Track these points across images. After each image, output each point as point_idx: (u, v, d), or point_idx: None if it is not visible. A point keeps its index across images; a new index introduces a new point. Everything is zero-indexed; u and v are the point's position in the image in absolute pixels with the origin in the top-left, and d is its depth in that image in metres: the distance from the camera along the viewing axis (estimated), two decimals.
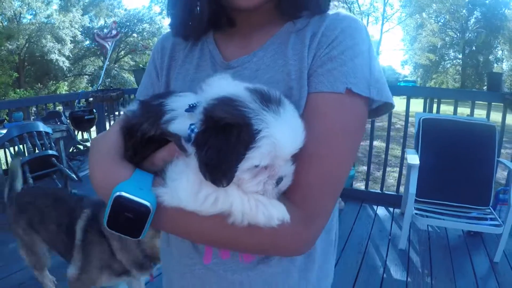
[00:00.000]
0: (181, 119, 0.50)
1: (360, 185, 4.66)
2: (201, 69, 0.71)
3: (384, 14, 31.66)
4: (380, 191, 3.92)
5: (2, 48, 18.83)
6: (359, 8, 30.26)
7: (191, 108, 0.50)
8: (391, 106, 0.64)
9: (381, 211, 3.58)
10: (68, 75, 25.97)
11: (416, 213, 2.74)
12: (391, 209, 3.58)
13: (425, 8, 28.53)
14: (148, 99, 0.61)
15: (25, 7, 21.74)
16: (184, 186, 0.49)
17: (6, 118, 5.19)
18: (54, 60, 22.20)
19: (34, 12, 22.75)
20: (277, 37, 0.66)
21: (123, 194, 0.49)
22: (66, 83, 25.87)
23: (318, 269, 0.71)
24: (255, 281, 0.66)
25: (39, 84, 23.17)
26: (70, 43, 23.52)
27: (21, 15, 22.01)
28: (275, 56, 0.64)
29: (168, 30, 0.77)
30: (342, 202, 3.64)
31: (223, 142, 0.44)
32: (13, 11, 20.24)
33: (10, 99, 15.92)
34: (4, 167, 4.41)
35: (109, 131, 0.62)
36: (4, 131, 3.69)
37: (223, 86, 0.51)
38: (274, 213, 0.49)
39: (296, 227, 0.53)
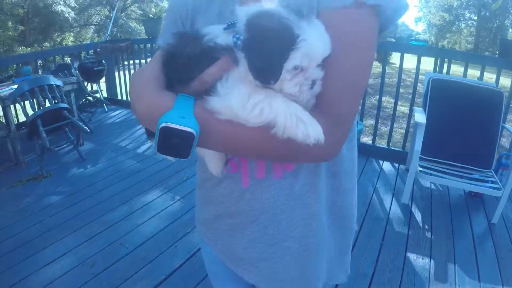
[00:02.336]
0: (223, 36, 0.55)
1: (367, 140, 4.68)
2: (223, 15, 0.72)
3: None
4: (386, 147, 3.96)
5: (6, 1, 18.25)
6: None
7: (230, 26, 0.55)
8: (405, 7, 0.65)
9: (386, 166, 3.64)
10: (74, 25, 25.38)
11: (420, 170, 2.80)
12: (396, 165, 3.64)
13: None
14: (181, 31, 0.65)
15: None
16: (236, 96, 0.54)
17: (13, 73, 5.18)
18: (59, 12, 21.55)
19: None
20: None
21: (168, 124, 0.53)
22: (72, 34, 25.31)
23: (345, 176, 0.80)
24: (284, 194, 0.75)
25: (41, 37, 22.66)
26: None
27: None
28: None
29: None
30: None
31: (270, 45, 0.50)
32: None
33: (18, 53, 15.84)
34: (16, 121, 4.51)
35: (149, 64, 0.65)
36: (15, 86, 3.73)
37: (256, 6, 0.55)
38: (311, 132, 0.54)
39: (326, 134, 0.57)
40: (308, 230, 0.79)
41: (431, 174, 2.82)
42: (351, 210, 0.87)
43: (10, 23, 19.03)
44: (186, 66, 0.58)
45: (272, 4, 0.55)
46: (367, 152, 3.87)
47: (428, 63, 3.73)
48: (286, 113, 0.54)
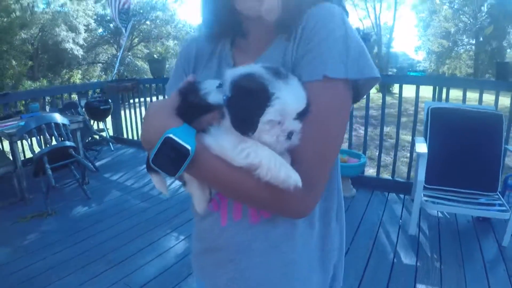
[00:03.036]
0: (214, 93, 0.65)
1: (372, 172, 4.68)
2: (220, 71, 0.81)
3: (396, 1, 30.78)
4: (391, 178, 3.95)
5: (17, 37, 18.90)
6: None
7: (220, 85, 0.64)
8: (377, 79, 0.71)
9: (392, 197, 3.62)
10: (82, 63, 26.14)
11: (425, 200, 2.78)
12: (402, 196, 3.62)
13: None
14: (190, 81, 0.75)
15: None
16: (227, 140, 0.62)
17: (22, 109, 5.32)
18: (68, 49, 22.24)
19: (47, 1, 22.64)
20: (276, 43, 0.77)
21: (172, 136, 0.61)
22: (79, 71, 26.03)
23: (318, 233, 0.84)
24: (260, 238, 0.79)
25: (50, 74, 23.24)
26: (84, 32, 23.49)
27: (34, 3, 21.84)
28: (272, 59, 0.74)
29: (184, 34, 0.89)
30: (354, 190, 3.69)
31: (247, 103, 0.59)
32: (27, 1, 20.24)
33: (26, 89, 16.24)
34: (22, 157, 4.57)
35: (166, 99, 0.74)
36: (22, 122, 3.81)
37: (242, 68, 0.64)
38: (292, 175, 0.60)
39: (300, 191, 0.62)
40: (286, 279, 0.81)
41: (437, 203, 2.80)
42: (329, 254, 0.89)
43: (20, 59, 19.54)
44: (188, 110, 0.68)
45: (256, 67, 0.63)
46: (372, 185, 3.86)
47: (428, 90, 3.79)
48: (271, 157, 0.61)
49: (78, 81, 23.01)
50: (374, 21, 31.94)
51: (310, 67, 0.68)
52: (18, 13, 19.60)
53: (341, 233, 0.90)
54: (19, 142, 4.10)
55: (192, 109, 0.67)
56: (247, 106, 0.59)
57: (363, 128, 4.28)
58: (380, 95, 4.31)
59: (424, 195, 2.83)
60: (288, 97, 0.60)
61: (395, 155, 3.92)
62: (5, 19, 18.07)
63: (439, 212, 3.23)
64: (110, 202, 3.82)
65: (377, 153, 6.25)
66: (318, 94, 0.67)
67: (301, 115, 0.63)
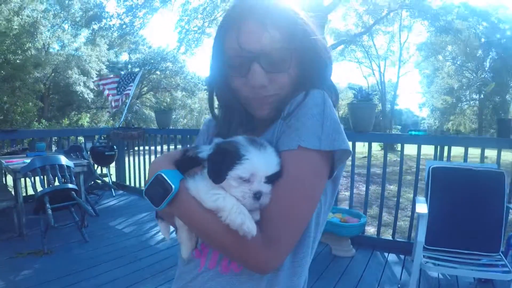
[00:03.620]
0: (205, 152, 0.78)
1: (374, 231, 4.64)
2: None
3: (400, 58, 32.01)
4: (391, 238, 3.92)
5: (30, 76, 19.47)
6: (376, 52, 30.61)
7: (211, 147, 0.79)
8: (349, 152, 0.81)
9: (392, 258, 3.57)
10: (91, 107, 26.67)
11: (426, 261, 2.75)
12: (402, 256, 3.57)
13: (440, 51, 28.79)
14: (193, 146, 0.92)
15: (55, 39, 22.67)
16: (204, 184, 0.75)
17: (28, 147, 5.43)
18: (78, 92, 22.88)
19: (62, 44, 23.72)
20: (273, 126, 0.88)
21: (163, 174, 0.76)
22: (88, 114, 26.51)
23: None
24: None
25: (59, 114, 23.57)
26: (95, 77, 24.15)
27: (50, 45, 22.91)
28: (270, 137, 0.86)
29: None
30: (353, 250, 3.64)
31: (221, 158, 0.73)
32: (43, 42, 21.10)
33: (34, 127, 16.50)
34: (24, 194, 4.59)
35: (176, 150, 0.91)
36: (27, 160, 3.90)
37: (230, 138, 0.80)
38: (248, 222, 0.69)
39: (258, 245, 0.72)
40: None
41: (438, 265, 2.75)
42: None
43: (31, 97, 19.92)
44: (185, 162, 0.83)
45: (239, 137, 0.77)
46: (372, 245, 3.82)
47: (432, 148, 3.85)
48: (234, 205, 0.71)
49: (86, 124, 23.29)
50: (378, 78, 32.80)
51: (288, 138, 0.79)
52: (33, 52, 20.28)
53: None
54: (22, 179, 4.15)
55: (188, 161, 0.81)
56: (220, 161, 0.73)
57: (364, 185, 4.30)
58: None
59: (425, 256, 2.79)
60: (257, 160, 0.72)
61: (396, 215, 3.92)
62: (20, 57, 18.70)
63: (440, 274, 3.17)
64: (107, 247, 3.79)
65: (378, 212, 6.26)
66: (292, 162, 0.77)
67: (272, 180, 0.75)
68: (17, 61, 18.38)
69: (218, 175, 0.73)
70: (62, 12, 22.09)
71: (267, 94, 0.85)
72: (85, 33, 21.44)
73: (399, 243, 3.81)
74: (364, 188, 4.59)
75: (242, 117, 0.94)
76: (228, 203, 0.71)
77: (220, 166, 0.72)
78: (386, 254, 3.64)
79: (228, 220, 0.70)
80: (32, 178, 3.80)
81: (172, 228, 0.94)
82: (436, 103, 33.02)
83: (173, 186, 0.74)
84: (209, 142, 0.99)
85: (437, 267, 2.76)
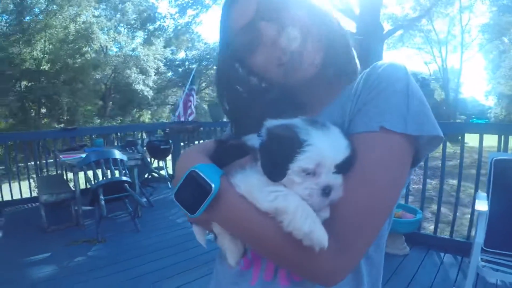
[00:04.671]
0: (254, 140, 0.64)
1: (431, 227, 4.31)
2: None
3: (462, 42, 29.21)
4: (449, 237, 3.60)
5: (90, 77, 20.62)
6: (437, 36, 28.54)
7: (259, 135, 0.63)
8: (440, 138, 0.66)
9: (448, 259, 3.28)
10: (152, 104, 27.94)
11: (483, 265, 2.47)
12: (459, 257, 3.26)
13: (505, 32, 25.85)
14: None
15: (111, 41, 23.67)
16: (258, 178, 0.60)
17: (86, 144, 5.82)
18: (138, 90, 23.66)
19: (120, 46, 24.79)
20: (334, 103, 0.74)
21: (197, 170, 0.60)
22: (149, 111, 27.82)
23: None
24: None
25: (121, 112, 25.01)
26: (154, 75, 25.00)
27: (108, 48, 24.01)
28: (330, 116, 0.71)
29: None
30: (407, 248, 3.41)
31: (278, 148, 0.58)
32: (100, 44, 22.12)
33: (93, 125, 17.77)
34: (83, 186, 4.92)
35: (207, 141, 0.76)
36: (84, 155, 4.14)
37: (281, 120, 0.64)
38: (317, 232, 0.54)
39: (329, 253, 0.56)
40: None
41: (497, 270, 2.46)
42: None
43: (93, 97, 21.19)
44: (226, 151, 0.70)
45: (295, 119, 0.62)
46: (427, 243, 3.54)
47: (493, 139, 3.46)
48: (299, 205, 0.55)
49: (147, 121, 24.44)
50: (440, 65, 30.51)
51: (367, 118, 0.64)
52: (93, 55, 21.51)
53: None
54: (82, 173, 4.43)
55: (230, 151, 0.68)
56: (277, 152, 0.57)
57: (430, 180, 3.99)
58: (449, 145, 4.03)
59: (483, 260, 2.51)
60: (322, 145, 0.57)
61: (455, 212, 3.59)
62: (79, 60, 19.86)
63: (498, 280, 2.83)
64: (157, 237, 3.92)
65: (442, 209, 5.84)
66: (372, 146, 0.62)
67: (343, 169, 0.59)
68: (76, 64, 19.56)
69: (277, 170, 0.57)
70: (117, 15, 23.29)
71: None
72: (140, 34, 22.47)
73: (457, 242, 3.48)
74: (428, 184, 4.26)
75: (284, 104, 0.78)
76: (292, 203, 0.56)
77: (278, 157, 0.57)
78: (442, 254, 3.35)
79: (291, 227, 0.55)
80: (88, 171, 4.05)
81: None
82: (503, 89, 29.81)
83: (212, 185, 0.59)
84: None
85: (496, 273, 2.46)
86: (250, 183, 0.60)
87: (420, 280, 2.90)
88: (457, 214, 3.63)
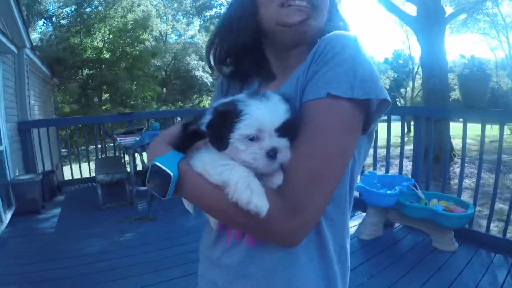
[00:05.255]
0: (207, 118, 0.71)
1: (493, 228, 4.04)
2: None
3: None
4: (502, 236, 3.38)
5: (150, 64, 21.30)
6: (504, 20, 26.21)
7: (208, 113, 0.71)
8: (388, 102, 0.70)
9: (498, 259, 3.08)
10: (212, 89, 28.41)
11: None
12: (511, 259, 3.05)
13: None
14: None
15: (170, 29, 24.40)
16: (209, 156, 0.68)
17: (144, 127, 6.11)
18: (198, 76, 24.14)
19: (179, 33, 25.59)
20: (296, 72, 0.79)
21: (157, 163, 0.69)
22: (209, 97, 28.31)
23: (319, 271, 0.77)
24: (255, 263, 0.77)
25: (181, 98, 25.66)
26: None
27: (167, 35, 24.76)
28: (289, 86, 0.77)
29: None
30: (456, 244, 3.25)
31: (220, 121, 0.64)
32: (159, 32, 22.83)
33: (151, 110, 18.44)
34: (140, 168, 5.24)
35: (170, 129, 0.84)
36: (138, 138, 4.38)
37: (228, 97, 0.72)
38: (255, 200, 0.60)
39: (281, 217, 0.63)
40: None
41: None
42: None
43: (153, 84, 21.81)
44: (187, 138, 0.77)
45: (240, 95, 0.69)
46: (478, 241, 3.35)
47: None
48: (240, 178, 0.61)
49: (207, 106, 24.83)
50: (508, 51, 28.09)
51: (316, 86, 0.68)
52: (153, 43, 22.29)
53: (343, 277, 0.82)
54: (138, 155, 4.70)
55: (190, 137, 0.75)
56: (219, 125, 0.64)
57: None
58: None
59: None
60: (259, 112, 0.62)
61: (510, 209, 3.37)
62: (137, 48, 20.60)
63: None
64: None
65: (500, 206, 5.48)
66: (320, 112, 0.67)
67: (286, 132, 0.64)
68: (135, 52, 20.29)
69: (220, 141, 0.65)
70: (174, 4, 23.90)
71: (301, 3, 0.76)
72: (198, 21, 22.88)
73: (510, 242, 3.26)
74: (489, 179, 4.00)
75: (258, 63, 0.87)
76: (234, 175, 0.62)
77: (220, 130, 0.64)
78: (492, 254, 3.16)
79: (234, 198, 0.61)
80: (142, 153, 4.30)
81: None
82: None
83: (170, 173, 0.67)
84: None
85: None
86: (204, 161, 0.67)
87: (465, 280, 2.77)
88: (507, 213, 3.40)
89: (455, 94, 16.73)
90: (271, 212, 0.60)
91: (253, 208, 0.59)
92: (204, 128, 0.68)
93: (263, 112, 0.62)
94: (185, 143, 0.76)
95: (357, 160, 0.77)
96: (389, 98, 0.69)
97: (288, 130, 0.64)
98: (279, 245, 0.72)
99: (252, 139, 0.63)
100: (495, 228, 5.19)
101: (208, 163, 0.67)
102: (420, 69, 18.32)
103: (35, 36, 19.69)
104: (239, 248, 0.79)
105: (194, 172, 0.68)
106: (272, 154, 0.63)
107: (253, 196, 0.59)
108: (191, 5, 20.62)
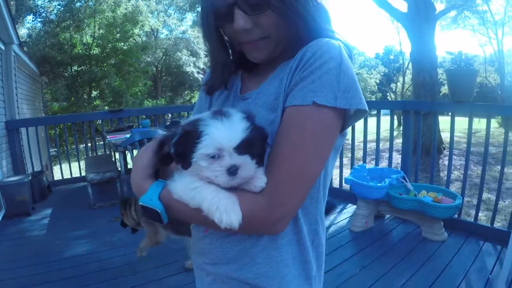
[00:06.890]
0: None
1: (483, 217, 4.14)
2: (228, 99, 0.95)
3: None
4: (490, 225, 3.46)
5: (141, 60, 21.09)
6: (493, 17, 26.58)
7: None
8: (364, 111, 0.77)
9: (487, 247, 3.15)
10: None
11: None
12: (499, 247, 3.12)
13: None
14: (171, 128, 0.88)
15: (161, 24, 24.02)
16: (181, 183, 0.74)
17: (133, 124, 6.06)
18: (189, 72, 24.01)
19: (170, 29, 25.37)
20: (277, 71, 0.83)
21: (143, 204, 0.76)
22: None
23: (297, 255, 0.85)
24: (235, 249, 0.84)
25: (172, 94, 25.52)
26: (204, 57, 24.80)
27: (158, 31, 24.50)
28: (270, 86, 0.82)
29: None
30: (445, 234, 3.32)
31: (182, 141, 0.69)
32: (150, 27, 22.53)
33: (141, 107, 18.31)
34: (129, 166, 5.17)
35: (144, 152, 0.87)
36: (128, 135, 4.34)
37: (195, 116, 0.76)
38: (224, 219, 0.67)
39: (263, 212, 0.71)
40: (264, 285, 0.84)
41: None
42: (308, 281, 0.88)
43: (143, 79, 21.54)
44: (163, 159, 0.80)
45: (205, 113, 0.73)
46: (467, 230, 3.42)
47: None
48: (209, 200, 0.69)
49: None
50: (496, 47, 28.55)
51: (303, 92, 0.73)
52: (144, 38, 22.00)
53: (317, 260, 0.89)
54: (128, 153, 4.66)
55: (164, 159, 0.78)
56: (183, 145, 0.69)
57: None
58: (503, 130, 3.78)
59: None
60: (218, 132, 0.67)
61: (497, 199, 3.44)
62: (127, 43, 20.34)
63: None
64: None
65: (488, 196, 5.61)
66: (304, 118, 0.72)
67: (245, 150, 0.68)
68: (124, 47, 20.04)
69: (184, 160, 0.70)
70: None
71: (255, 37, 0.80)
72: (190, 16, 22.71)
73: (497, 231, 3.33)
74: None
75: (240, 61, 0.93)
76: (205, 199, 0.69)
77: (184, 149, 0.69)
78: (481, 243, 3.23)
79: (210, 217, 0.69)
80: (132, 151, 4.23)
81: None
82: None
83: (155, 209, 0.75)
84: (209, 106, 1.00)
85: None
86: (177, 188, 0.74)
87: (455, 268, 2.84)
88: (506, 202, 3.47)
89: (445, 89, 16.94)
90: (253, 211, 0.70)
91: (225, 226, 0.67)
92: (171, 147, 0.72)
93: (222, 133, 0.67)
94: (163, 164, 0.81)
95: (332, 157, 0.84)
96: (367, 108, 0.76)
97: (248, 147, 0.68)
98: (265, 234, 0.81)
99: (214, 157, 0.67)
100: (484, 217, 5.30)
101: (181, 189, 0.73)
102: (410, 64, 18.49)
103: (23, 31, 19.40)
104: (219, 235, 0.86)
105: (175, 199, 0.74)
106: (232, 170, 0.68)
107: (222, 216, 0.67)
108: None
